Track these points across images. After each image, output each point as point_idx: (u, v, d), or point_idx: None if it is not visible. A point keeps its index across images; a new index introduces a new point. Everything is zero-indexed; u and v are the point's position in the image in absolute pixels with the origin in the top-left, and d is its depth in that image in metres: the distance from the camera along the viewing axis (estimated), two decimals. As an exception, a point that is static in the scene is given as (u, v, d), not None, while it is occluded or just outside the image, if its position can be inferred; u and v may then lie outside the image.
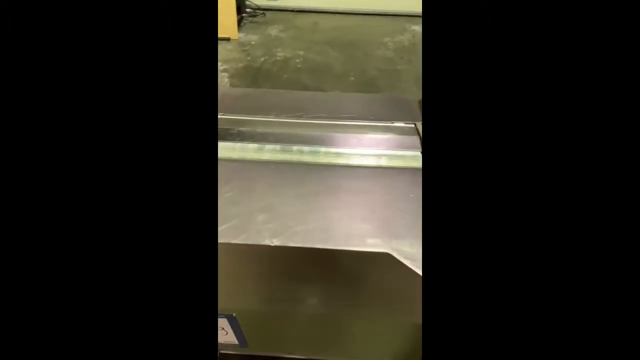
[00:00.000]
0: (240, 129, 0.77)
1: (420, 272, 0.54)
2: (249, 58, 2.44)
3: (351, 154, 0.72)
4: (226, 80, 2.20)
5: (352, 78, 2.23)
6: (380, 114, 0.83)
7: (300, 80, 2.21)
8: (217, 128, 0.72)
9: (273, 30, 2.88)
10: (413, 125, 0.79)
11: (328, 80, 2.21)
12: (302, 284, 0.61)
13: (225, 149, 0.73)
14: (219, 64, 2.37)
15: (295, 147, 0.73)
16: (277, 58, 2.45)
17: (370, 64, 2.40)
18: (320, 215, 0.59)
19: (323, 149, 0.73)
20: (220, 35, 2.61)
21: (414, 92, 2.11)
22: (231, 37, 2.67)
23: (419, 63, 2.40)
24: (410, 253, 0.55)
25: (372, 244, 0.56)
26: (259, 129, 0.77)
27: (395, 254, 0.55)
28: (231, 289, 0.62)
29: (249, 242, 0.56)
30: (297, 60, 2.43)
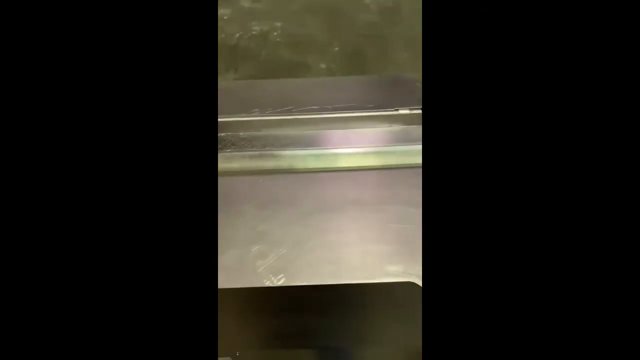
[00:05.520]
0: (220, 134, 0.66)
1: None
2: (223, 35, 2.28)
3: (353, 154, 0.62)
4: (201, 62, 2.05)
5: (337, 48, 2.09)
6: (380, 100, 0.71)
7: (281, 55, 2.07)
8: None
9: (246, 2, 2.68)
10: (420, 112, 0.68)
11: (311, 52, 2.07)
12: (310, 319, 0.52)
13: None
14: (192, 44, 2.20)
15: (286, 152, 0.63)
16: (254, 33, 2.29)
17: (354, 30, 2.25)
18: (325, 240, 0.49)
19: (318, 151, 0.63)
20: (190, 13, 2.42)
21: (405, 59, 1.98)
22: (202, 14, 2.49)
23: (405, 25, 2.25)
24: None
25: (392, 272, 0.46)
26: (242, 133, 0.66)
27: (420, 282, 0.46)
28: (232, 330, 0.53)
29: (247, 284, 0.46)
30: (276, 34, 2.27)
